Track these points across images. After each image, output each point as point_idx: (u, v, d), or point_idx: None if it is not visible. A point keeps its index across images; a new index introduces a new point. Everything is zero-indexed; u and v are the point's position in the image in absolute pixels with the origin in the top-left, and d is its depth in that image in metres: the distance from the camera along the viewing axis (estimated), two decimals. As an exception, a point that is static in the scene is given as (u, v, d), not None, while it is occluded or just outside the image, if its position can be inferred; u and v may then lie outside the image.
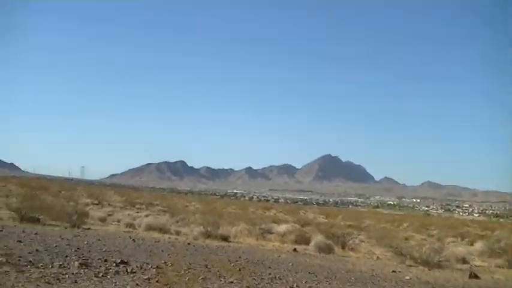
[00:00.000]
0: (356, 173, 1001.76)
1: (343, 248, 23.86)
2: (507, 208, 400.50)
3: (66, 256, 13.71)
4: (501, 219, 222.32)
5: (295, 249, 22.26)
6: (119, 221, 30.47)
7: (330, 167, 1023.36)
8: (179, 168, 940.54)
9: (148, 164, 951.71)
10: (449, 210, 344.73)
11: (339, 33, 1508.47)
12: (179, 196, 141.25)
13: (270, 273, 14.54)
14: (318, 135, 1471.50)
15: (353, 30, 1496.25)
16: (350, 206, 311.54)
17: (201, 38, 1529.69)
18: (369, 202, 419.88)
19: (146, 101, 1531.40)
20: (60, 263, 12.58)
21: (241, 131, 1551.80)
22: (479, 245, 31.18)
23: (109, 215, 34.88)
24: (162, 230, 25.89)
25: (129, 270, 12.58)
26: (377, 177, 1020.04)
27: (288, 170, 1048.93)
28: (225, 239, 24.15)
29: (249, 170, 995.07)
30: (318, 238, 22.90)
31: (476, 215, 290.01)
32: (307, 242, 26.12)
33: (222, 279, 12.77)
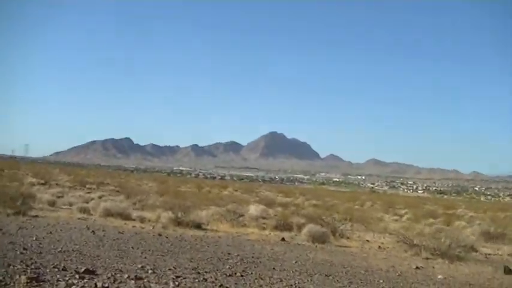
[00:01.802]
0: (301, 150, 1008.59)
1: (334, 235, 20.53)
2: (449, 185, 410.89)
3: (9, 265, 9.73)
4: (445, 196, 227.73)
5: (283, 239, 18.90)
6: (70, 204, 26.36)
7: (276, 144, 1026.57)
8: (125, 146, 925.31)
9: (93, 142, 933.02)
10: (394, 187, 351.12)
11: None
12: (126, 174, 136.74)
13: (280, 279, 11.16)
14: (263, 112, 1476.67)
15: None
16: (296, 183, 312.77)
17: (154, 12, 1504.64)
18: (314, 179, 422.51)
19: (91, 78, 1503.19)
20: (-1, 277, 8.76)
21: (188, 107, 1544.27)
22: (475, 229, 28.67)
23: (58, 197, 30.86)
24: (123, 215, 22.14)
25: (98, 286, 8.83)
26: (322, 155, 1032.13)
27: (233, 147, 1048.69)
28: (198, 226, 20.56)
29: (195, 147, 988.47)
30: (310, 226, 19.48)
31: (421, 191, 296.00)
32: (289, 228, 22.90)
33: (228, 294, 9.30)
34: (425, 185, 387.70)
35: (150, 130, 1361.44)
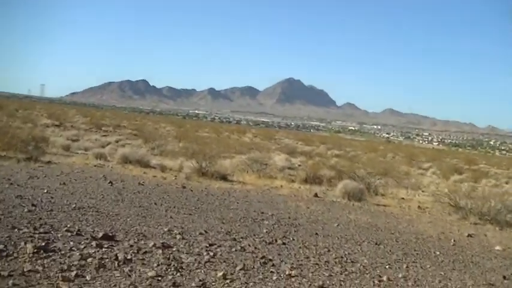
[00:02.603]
0: (318, 98, 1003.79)
1: (368, 191, 18.89)
2: (465, 138, 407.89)
3: (14, 227, 8.13)
4: (460, 149, 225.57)
5: (316, 195, 17.33)
6: (86, 149, 24.94)
7: (292, 91, 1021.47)
8: (141, 87, 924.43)
9: (109, 83, 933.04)
10: (409, 137, 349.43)
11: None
12: (142, 116, 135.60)
13: (327, 249, 9.60)
14: (281, 58, 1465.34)
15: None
16: (312, 130, 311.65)
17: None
18: (330, 127, 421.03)
19: (109, 20, 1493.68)
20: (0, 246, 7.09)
21: (205, 51, 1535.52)
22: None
23: (73, 140, 29.51)
24: (141, 163, 20.68)
25: (120, 258, 7.23)
26: (339, 103, 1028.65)
27: (250, 92, 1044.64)
28: (223, 177, 19.02)
29: (211, 91, 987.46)
30: (346, 182, 17.82)
31: (436, 143, 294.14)
32: (319, 181, 21.37)
33: (272, 269, 7.73)
34: (440, 137, 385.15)
35: (167, 72, 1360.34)
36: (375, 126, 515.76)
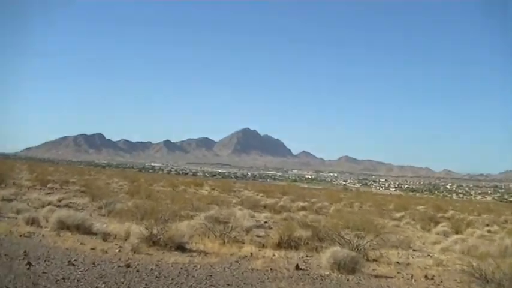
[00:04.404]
0: (274, 147, 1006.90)
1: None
2: (421, 183, 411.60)
3: None
4: (417, 194, 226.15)
5: (298, 266, 13.88)
6: (18, 212, 20.98)
7: (248, 141, 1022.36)
8: (97, 141, 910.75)
9: (65, 137, 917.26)
10: (366, 184, 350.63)
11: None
12: (97, 170, 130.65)
13: None
14: (236, 109, 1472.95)
15: None
16: (268, 180, 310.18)
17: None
18: (287, 176, 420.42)
19: (61, 73, 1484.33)
20: None
21: (159, 103, 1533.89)
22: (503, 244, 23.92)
23: (9, 200, 26.05)
24: (81, 229, 17.04)
25: None
26: (295, 152, 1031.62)
27: (206, 143, 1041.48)
28: (180, 246, 15.41)
29: (167, 143, 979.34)
30: (334, 250, 14.31)
31: (393, 189, 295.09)
32: (295, 244, 17.96)
33: None
34: (397, 183, 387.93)
35: (122, 126, 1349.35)
36: (332, 174, 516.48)
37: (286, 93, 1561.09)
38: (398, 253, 19.41)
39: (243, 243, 18.12)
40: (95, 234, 16.93)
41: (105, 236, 16.35)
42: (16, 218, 19.13)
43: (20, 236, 15.24)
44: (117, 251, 14.11)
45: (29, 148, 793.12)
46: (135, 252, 13.90)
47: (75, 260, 12.00)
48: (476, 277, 12.32)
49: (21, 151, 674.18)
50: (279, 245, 17.75)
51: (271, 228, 24.52)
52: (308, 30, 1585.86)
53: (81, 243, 14.68)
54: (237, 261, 14.16)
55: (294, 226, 20.23)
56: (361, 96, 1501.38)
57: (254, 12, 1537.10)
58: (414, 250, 21.10)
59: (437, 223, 35.43)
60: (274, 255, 16.02)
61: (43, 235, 15.71)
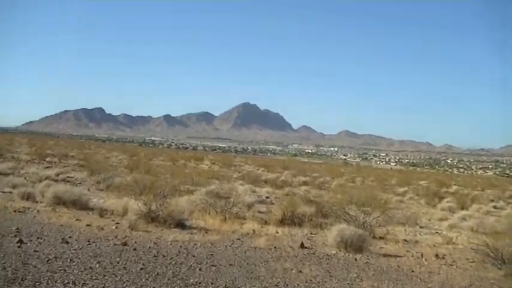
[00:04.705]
0: (274, 121, 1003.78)
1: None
2: (422, 157, 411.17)
3: None
4: (417, 168, 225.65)
5: (302, 245, 13.29)
6: (14, 186, 20.31)
7: (248, 115, 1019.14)
8: (97, 116, 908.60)
9: (65, 111, 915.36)
10: (366, 159, 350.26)
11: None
12: (97, 144, 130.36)
13: None
14: (236, 83, 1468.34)
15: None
16: (269, 154, 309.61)
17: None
18: (287, 150, 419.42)
19: (66, 48, 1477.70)
20: None
21: (160, 77, 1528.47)
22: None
23: (6, 174, 25.67)
24: (77, 204, 16.47)
25: None
26: (295, 126, 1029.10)
27: (206, 117, 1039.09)
28: (180, 223, 14.81)
29: (167, 117, 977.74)
30: (341, 227, 13.67)
31: (393, 164, 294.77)
32: (298, 221, 17.37)
33: None
34: (397, 157, 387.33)
35: (122, 100, 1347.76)
36: (332, 149, 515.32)
37: (287, 67, 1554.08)
38: (405, 230, 18.84)
39: (245, 219, 17.57)
40: (92, 209, 16.36)
41: (102, 212, 15.76)
42: (11, 193, 18.52)
43: (15, 211, 14.68)
44: (114, 227, 13.53)
45: (30, 122, 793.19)
46: (132, 229, 13.32)
47: (69, 238, 11.43)
48: (491, 256, 11.73)
49: (22, 125, 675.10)
50: (282, 222, 17.19)
51: (273, 203, 24.03)
52: None
53: (76, 219, 14.12)
54: (239, 239, 13.59)
55: (297, 202, 19.56)
56: (362, 70, 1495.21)
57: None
58: (421, 227, 20.55)
59: (441, 198, 34.95)
60: (277, 232, 15.44)
61: (38, 211, 15.16)
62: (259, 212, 20.20)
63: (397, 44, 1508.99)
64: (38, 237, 11.16)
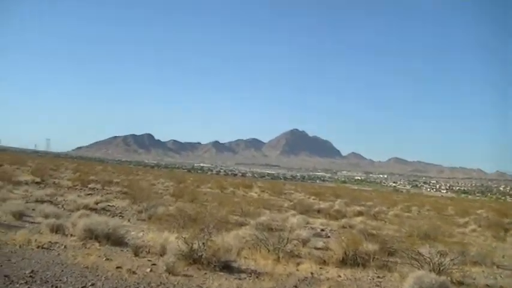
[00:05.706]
0: (323, 148, 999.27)
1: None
2: (473, 184, 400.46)
3: None
4: (469, 196, 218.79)
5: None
6: (46, 216, 18.41)
7: (297, 142, 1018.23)
8: (146, 141, 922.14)
9: (115, 137, 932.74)
10: (416, 186, 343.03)
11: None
12: (145, 170, 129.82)
13: None
14: (285, 109, 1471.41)
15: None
16: (318, 181, 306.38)
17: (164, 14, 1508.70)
18: (336, 177, 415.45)
19: (113, 76, 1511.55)
20: None
21: (210, 104, 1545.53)
22: None
23: (43, 201, 24.07)
24: (111, 238, 14.46)
25: None
26: (344, 153, 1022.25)
27: (255, 144, 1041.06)
28: (227, 265, 12.60)
29: (216, 144, 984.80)
30: (418, 274, 11.14)
31: (444, 191, 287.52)
32: (362, 261, 14.93)
33: None
34: (448, 184, 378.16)
35: (171, 126, 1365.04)
36: (381, 175, 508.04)
37: (335, 94, 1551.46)
38: (483, 271, 16.10)
39: (300, 257, 15.27)
40: (126, 245, 14.32)
41: (138, 250, 13.60)
42: (40, 224, 16.67)
43: (38, 247, 12.83)
44: (148, 270, 11.37)
45: (80, 147, 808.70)
46: (169, 273, 11.15)
47: (91, 286, 9.36)
48: None
49: (72, 150, 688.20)
50: (342, 261, 14.80)
51: (328, 237, 21.73)
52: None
53: (107, 259, 12.07)
54: (295, 287, 11.29)
55: (359, 238, 17.12)
56: (410, 96, 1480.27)
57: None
58: (498, 266, 17.71)
59: (506, 230, 31.85)
60: (339, 275, 13.09)
61: (65, 247, 13.24)
62: (316, 248, 17.84)
63: (449, 68, 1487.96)
64: (52, 286, 9.14)
